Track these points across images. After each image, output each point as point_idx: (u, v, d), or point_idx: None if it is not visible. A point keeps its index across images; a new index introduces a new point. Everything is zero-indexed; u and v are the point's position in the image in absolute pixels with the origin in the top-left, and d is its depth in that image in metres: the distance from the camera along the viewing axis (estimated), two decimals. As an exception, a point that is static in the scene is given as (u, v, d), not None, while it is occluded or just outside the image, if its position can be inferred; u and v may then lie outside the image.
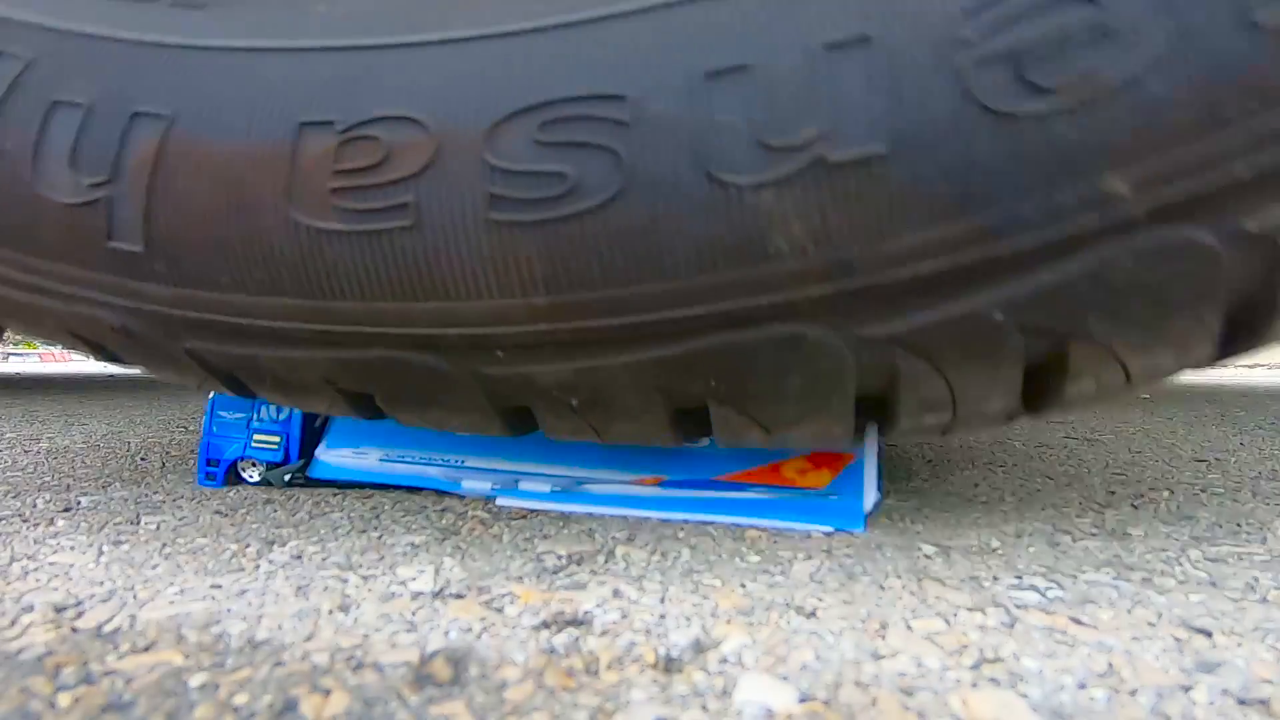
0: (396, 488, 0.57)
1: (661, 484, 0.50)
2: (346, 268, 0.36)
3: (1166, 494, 0.58)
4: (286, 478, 0.58)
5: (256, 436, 0.59)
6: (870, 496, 0.49)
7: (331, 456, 0.58)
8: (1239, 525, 0.48)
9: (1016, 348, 0.34)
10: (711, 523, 0.48)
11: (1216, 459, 0.76)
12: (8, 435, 0.94)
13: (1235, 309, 0.33)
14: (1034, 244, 0.30)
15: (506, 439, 0.54)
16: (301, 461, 0.58)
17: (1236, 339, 0.36)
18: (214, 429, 0.59)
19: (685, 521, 0.48)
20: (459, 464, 0.55)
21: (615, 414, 0.40)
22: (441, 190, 0.34)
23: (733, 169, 0.31)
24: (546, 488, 0.52)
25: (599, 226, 0.32)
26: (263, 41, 0.37)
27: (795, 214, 0.31)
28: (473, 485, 0.54)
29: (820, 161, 0.30)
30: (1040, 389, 0.37)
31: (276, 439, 0.59)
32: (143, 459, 0.75)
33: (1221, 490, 0.60)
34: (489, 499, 0.53)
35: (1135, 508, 0.53)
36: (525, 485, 0.53)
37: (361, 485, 0.57)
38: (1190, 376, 2.91)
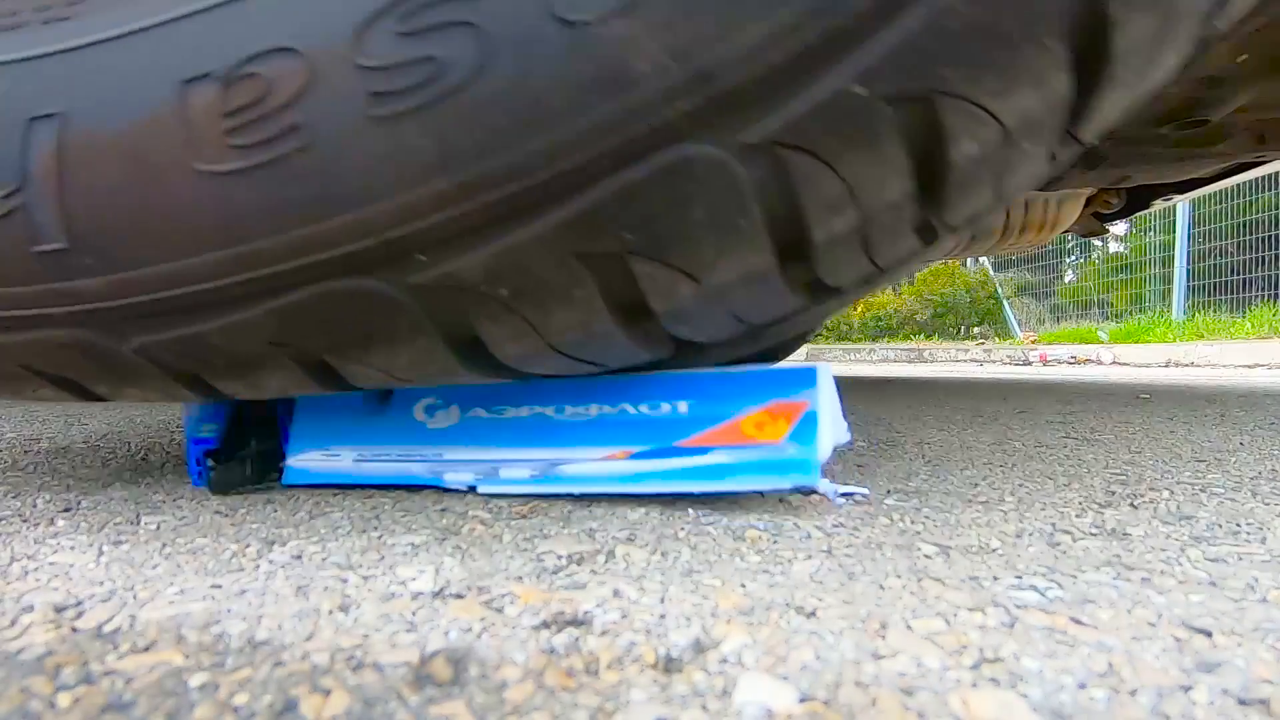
0: (380, 487, 0.56)
1: (631, 456, 0.51)
2: (258, 204, 0.38)
3: (1166, 494, 0.58)
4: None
5: (204, 425, 0.58)
6: (826, 444, 0.49)
7: (301, 461, 0.57)
8: (1239, 525, 0.48)
9: (888, 119, 0.35)
10: (683, 493, 0.49)
11: (1216, 459, 0.76)
12: (8, 435, 0.94)
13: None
14: (871, 5, 0.32)
15: (483, 427, 0.54)
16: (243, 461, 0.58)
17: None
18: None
19: (658, 494, 0.49)
20: (438, 458, 0.54)
21: (549, 301, 0.40)
22: (324, 103, 0.36)
23: (578, 7, 0.33)
24: (526, 473, 0.52)
25: (475, 97, 0.34)
26: (131, 25, 0.39)
27: (646, 35, 0.33)
28: (454, 477, 0.54)
29: None
30: (930, 167, 0.39)
31: (213, 425, 0.58)
32: (143, 459, 0.75)
33: (1221, 490, 0.60)
34: (472, 489, 0.53)
35: (1135, 508, 0.53)
36: (505, 473, 0.53)
37: (339, 486, 0.57)
38: (1190, 377, 2.91)
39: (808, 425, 0.49)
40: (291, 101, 0.36)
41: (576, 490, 0.51)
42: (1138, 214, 1.97)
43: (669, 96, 0.34)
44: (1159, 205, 1.82)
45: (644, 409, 0.52)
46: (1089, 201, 1.80)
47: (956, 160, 0.39)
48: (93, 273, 0.41)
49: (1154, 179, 1.55)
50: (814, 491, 0.49)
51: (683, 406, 0.51)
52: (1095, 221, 1.92)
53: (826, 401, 0.50)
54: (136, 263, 0.40)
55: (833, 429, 0.50)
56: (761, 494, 0.52)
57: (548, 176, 0.36)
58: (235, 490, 0.56)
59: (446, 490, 0.56)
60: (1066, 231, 1.97)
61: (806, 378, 0.51)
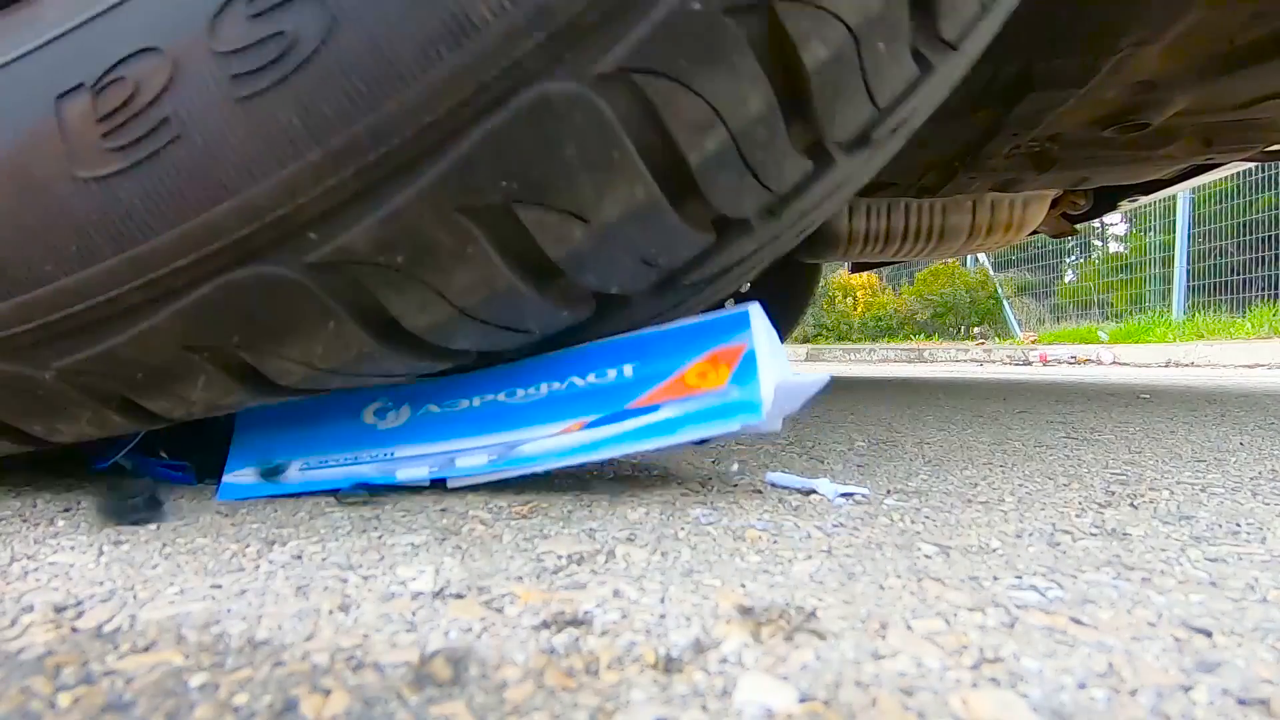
0: (334, 492, 0.54)
1: (586, 426, 0.51)
2: (142, 202, 0.39)
3: (1166, 494, 0.58)
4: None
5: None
6: (769, 382, 0.49)
7: (236, 477, 0.55)
8: (1239, 525, 0.48)
9: (731, 31, 0.36)
10: (639, 452, 0.50)
11: (1216, 459, 0.76)
12: (8, 435, 0.94)
13: None
14: None
15: (436, 421, 0.54)
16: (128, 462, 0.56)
17: None
18: None
19: (614, 458, 0.50)
20: (388, 457, 0.54)
21: (445, 262, 0.41)
22: (190, 94, 0.37)
23: None
24: (484, 459, 0.52)
25: (328, 64, 0.36)
26: (5, 56, 0.41)
27: None
28: (408, 473, 0.53)
29: None
30: (789, 77, 0.40)
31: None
32: (143, 459, 0.75)
33: (1221, 490, 0.60)
34: (430, 483, 0.53)
35: (1135, 508, 0.53)
36: (462, 461, 0.52)
37: (283, 496, 0.55)
38: (1190, 377, 2.91)
39: (747, 366, 0.50)
40: (159, 97, 0.38)
41: (539, 469, 0.52)
42: (1107, 213, 2.02)
43: (513, 36, 0.35)
44: (1126, 206, 1.86)
45: (592, 379, 0.52)
46: (1056, 203, 1.83)
47: (812, 65, 0.39)
48: None
49: (1114, 180, 1.58)
50: (761, 427, 0.49)
51: (628, 370, 0.52)
52: (1064, 222, 1.96)
53: (763, 340, 0.51)
54: (36, 282, 0.41)
55: (774, 367, 0.50)
56: (706, 442, 0.54)
57: (413, 133, 0.36)
58: (127, 521, 0.48)
59: (447, 490, 0.56)
60: (1036, 232, 2.01)
61: (740, 321, 0.51)
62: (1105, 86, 1.11)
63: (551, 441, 0.51)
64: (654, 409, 0.51)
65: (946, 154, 1.41)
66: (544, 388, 0.53)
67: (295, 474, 0.55)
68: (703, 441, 0.52)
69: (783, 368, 0.52)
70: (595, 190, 0.40)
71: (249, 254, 0.39)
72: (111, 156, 0.39)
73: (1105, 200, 1.88)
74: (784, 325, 2.78)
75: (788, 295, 2.67)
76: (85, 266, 0.40)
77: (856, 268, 2.84)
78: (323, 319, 0.42)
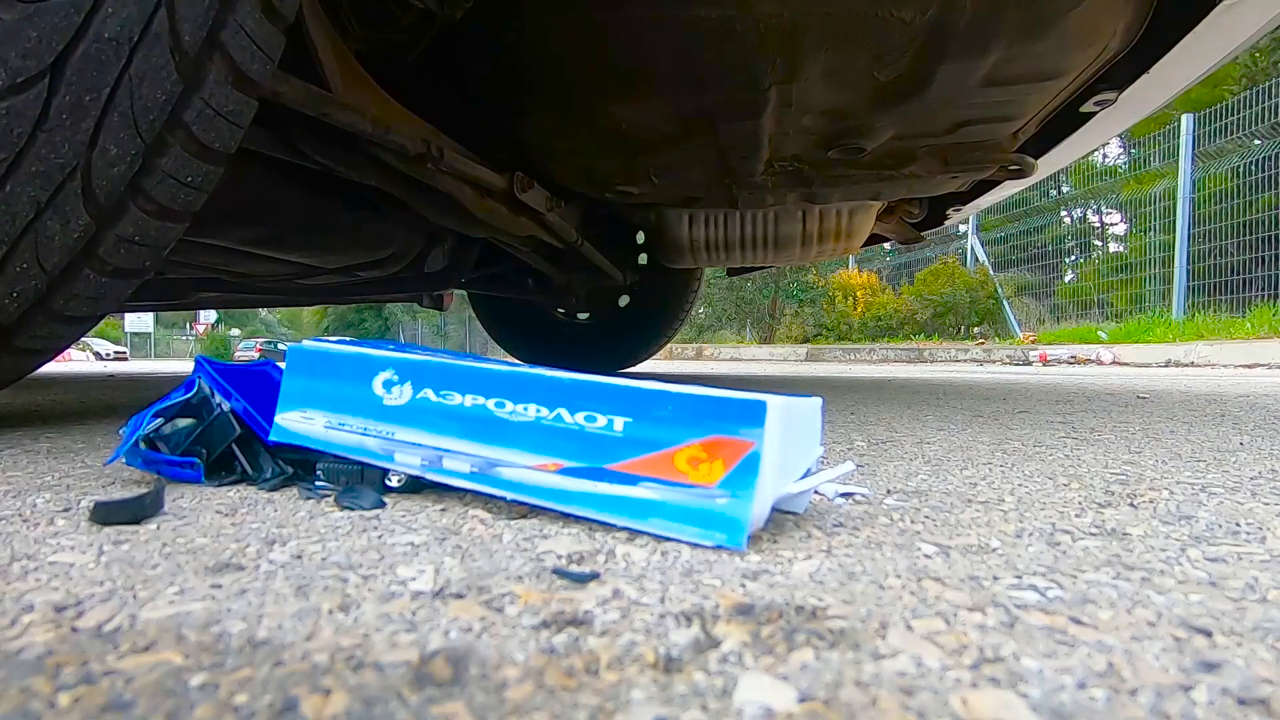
0: (348, 462, 0.56)
1: (560, 471, 0.49)
2: None
3: (1166, 494, 0.58)
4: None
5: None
6: (766, 500, 0.43)
7: (285, 420, 0.58)
8: (1239, 525, 0.48)
9: None
10: (606, 522, 0.46)
11: (1216, 459, 0.76)
12: (8, 435, 0.94)
13: None
14: None
15: (430, 412, 0.54)
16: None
17: None
18: None
19: (582, 518, 0.48)
20: (390, 436, 0.54)
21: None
22: None
23: None
24: (466, 467, 0.51)
25: None
26: None
27: None
28: (404, 459, 0.54)
29: None
30: None
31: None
32: (143, 459, 0.75)
33: (1221, 490, 0.60)
34: (420, 475, 0.53)
35: (1135, 508, 0.53)
36: (448, 463, 0.52)
37: (308, 455, 0.57)
38: (1190, 377, 2.90)
39: (746, 471, 0.42)
40: None
41: (509, 496, 0.50)
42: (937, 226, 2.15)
43: None
44: (953, 215, 2.00)
45: (580, 419, 0.49)
46: (893, 210, 1.95)
47: None
48: None
49: (904, 194, 1.78)
50: (741, 552, 0.42)
51: (619, 424, 0.47)
52: (908, 228, 2.13)
53: (774, 444, 0.43)
54: None
55: (779, 480, 0.44)
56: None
57: None
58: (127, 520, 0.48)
59: (446, 490, 0.56)
60: (883, 240, 2.20)
61: (755, 413, 0.43)
62: (792, 117, 1.29)
63: (525, 474, 0.50)
64: (632, 480, 0.46)
65: (704, 174, 1.58)
66: (531, 410, 0.51)
67: (321, 429, 0.57)
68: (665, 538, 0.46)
69: (793, 472, 0.47)
70: None
71: None
72: None
73: (935, 210, 2.03)
74: (663, 326, 2.95)
75: (666, 298, 2.84)
76: None
77: (732, 273, 3.02)
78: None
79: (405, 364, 0.55)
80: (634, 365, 3.06)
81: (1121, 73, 1.23)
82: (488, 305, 3.09)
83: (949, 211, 1.98)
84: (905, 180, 1.59)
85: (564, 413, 0.49)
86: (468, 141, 1.32)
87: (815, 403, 0.52)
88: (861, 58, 1.11)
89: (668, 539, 0.44)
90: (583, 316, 2.80)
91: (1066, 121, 1.42)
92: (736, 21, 1.03)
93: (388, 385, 0.55)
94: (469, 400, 0.53)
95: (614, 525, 0.46)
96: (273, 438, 0.58)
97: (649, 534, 0.45)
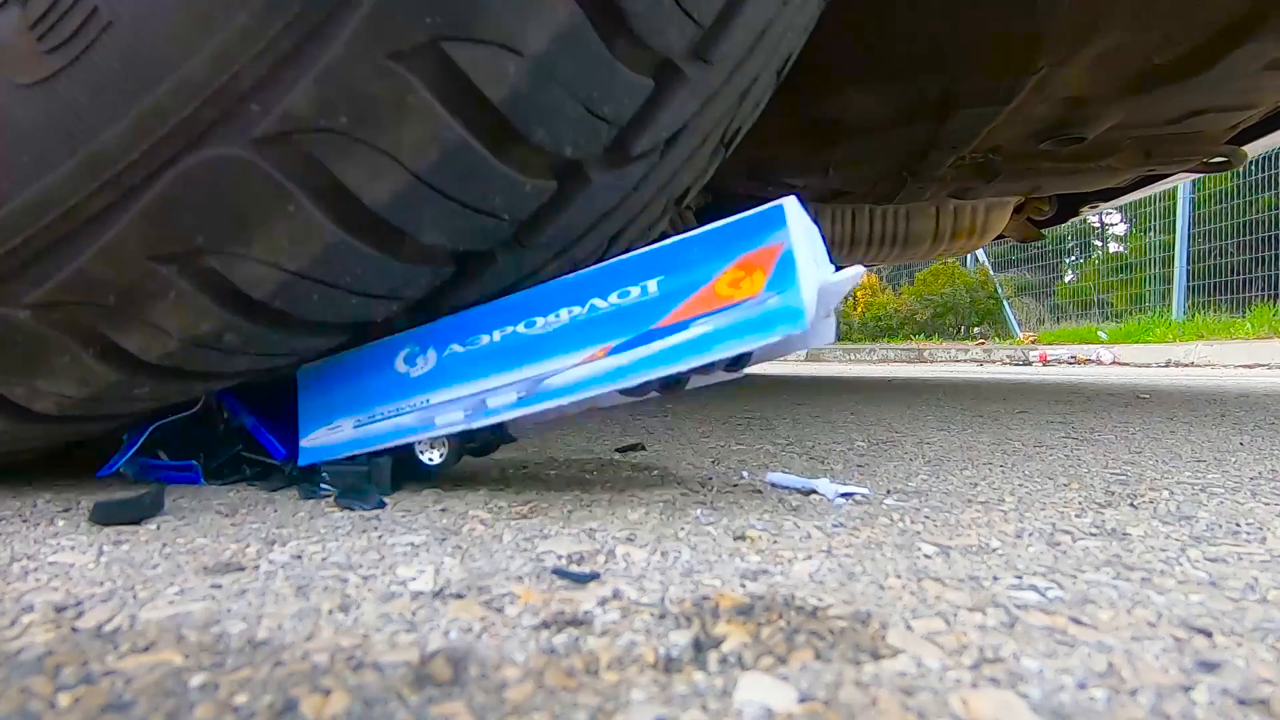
0: (380, 452, 0.55)
1: (611, 351, 0.48)
2: (88, 96, 0.40)
3: (1166, 494, 0.58)
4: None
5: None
6: (810, 285, 0.45)
7: (311, 441, 0.57)
8: (1239, 525, 0.48)
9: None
10: (677, 373, 0.47)
11: (1216, 459, 0.76)
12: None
13: None
14: None
15: (462, 363, 0.53)
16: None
17: None
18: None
19: (647, 383, 0.48)
20: (426, 404, 0.53)
21: (387, 116, 0.41)
22: None
23: None
24: (514, 396, 0.51)
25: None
26: None
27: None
28: (445, 419, 0.53)
29: None
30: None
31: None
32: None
33: (1221, 490, 0.60)
34: (467, 426, 0.52)
35: (1135, 508, 0.53)
36: (492, 401, 0.51)
37: (352, 458, 0.56)
38: (1190, 377, 2.90)
39: (785, 269, 0.45)
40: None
41: (566, 402, 0.49)
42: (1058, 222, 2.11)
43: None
44: (1087, 213, 1.94)
45: (614, 299, 0.49)
46: (1021, 208, 1.90)
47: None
48: None
49: (1067, 189, 1.66)
50: (808, 339, 0.46)
51: (652, 287, 0.48)
52: (1030, 227, 2.06)
53: (801, 238, 0.46)
54: None
55: (815, 267, 0.46)
56: (742, 364, 0.50)
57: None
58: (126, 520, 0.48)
59: (446, 490, 0.56)
60: (1002, 237, 2.11)
61: (774, 218, 0.46)
62: (1034, 103, 1.19)
63: (576, 372, 0.49)
64: (684, 325, 0.47)
65: (890, 165, 1.49)
66: (564, 314, 0.50)
67: (351, 432, 0.55)
68: (739, 363, 0.48)
69: (824, 266, 0.48)
70: (520, 14, 0.40)
71: (195, 135, 0.40)
72: (51, 58, 0.39)
73: (1068, 206, 1.95)
74: None
75: None
76: (42, 175, 0.41)
77: None
78: (280, 201, 0.42)
79: (420, 332, 0.54)
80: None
81: None
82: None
83: (1083, 209, 1.88)
84: (1093, 174, 1.50)
85: (597, 302, 0.50)
86: None
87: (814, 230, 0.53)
88: (1152, 37, 1.01)
89: (738, 362, 0.48)
90: None
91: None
92: None
93: (410, 359, 0.54)
94: (497, 335, 0.52)
95: (684, 374, 0.48)
96: (301, 463, 0.57)
97: (723, 360, 0.47)
